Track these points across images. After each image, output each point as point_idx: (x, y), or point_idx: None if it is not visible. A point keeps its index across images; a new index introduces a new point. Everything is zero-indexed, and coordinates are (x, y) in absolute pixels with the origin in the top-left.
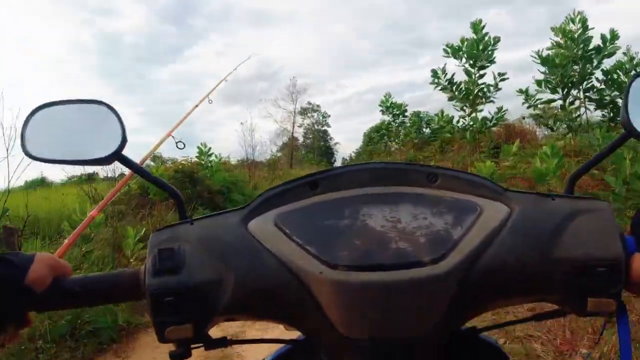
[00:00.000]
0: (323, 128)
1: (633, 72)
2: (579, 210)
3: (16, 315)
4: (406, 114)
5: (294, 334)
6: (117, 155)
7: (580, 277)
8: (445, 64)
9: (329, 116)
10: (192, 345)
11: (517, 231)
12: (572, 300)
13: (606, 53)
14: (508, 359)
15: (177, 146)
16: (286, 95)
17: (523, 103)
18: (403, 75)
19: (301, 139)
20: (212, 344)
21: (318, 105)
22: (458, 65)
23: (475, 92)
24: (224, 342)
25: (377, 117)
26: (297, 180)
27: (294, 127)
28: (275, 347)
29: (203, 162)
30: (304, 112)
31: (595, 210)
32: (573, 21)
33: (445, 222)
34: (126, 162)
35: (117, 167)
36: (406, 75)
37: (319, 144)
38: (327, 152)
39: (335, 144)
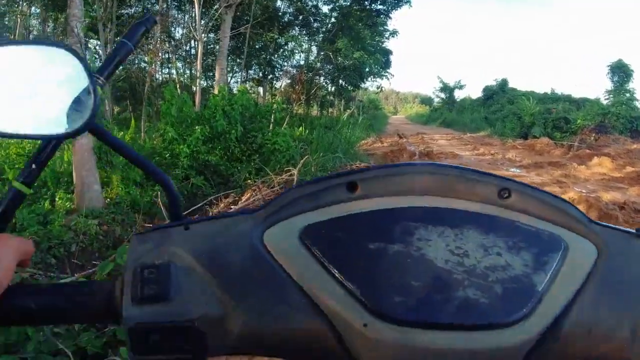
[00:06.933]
0: None
1: None
2: None
3: None
4: None
5: None
6: (87, 126)
7: None
8: None
9: None
10: None
11: (608, 284)
12: None
13: None
14: None
15: None
16: None
17: None
18: None
19: None
20: None
21: None
22: None
23: None
24: None
25: None
26: (331, 179)
27: None
28: None
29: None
30: None
31: None
32: None
33: (525, 263)
34: (101, 134)
35: None
36: None
37: None
38: None
39: None
